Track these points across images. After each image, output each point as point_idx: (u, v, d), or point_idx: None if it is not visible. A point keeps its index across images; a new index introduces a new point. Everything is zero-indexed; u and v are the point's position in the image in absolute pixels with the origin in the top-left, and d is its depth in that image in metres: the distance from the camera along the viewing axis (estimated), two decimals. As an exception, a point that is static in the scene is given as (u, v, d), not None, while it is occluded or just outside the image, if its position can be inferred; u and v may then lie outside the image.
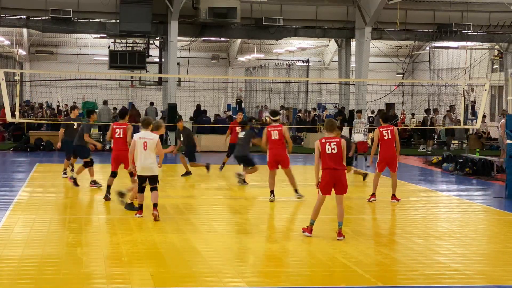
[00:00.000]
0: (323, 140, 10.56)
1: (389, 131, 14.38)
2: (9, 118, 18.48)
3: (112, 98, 31.91)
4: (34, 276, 8.28)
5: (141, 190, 12.10)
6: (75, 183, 15.97)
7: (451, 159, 22.21)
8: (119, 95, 33.61)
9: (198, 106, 32.08)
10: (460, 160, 21.33)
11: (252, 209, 14.06)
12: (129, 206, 12.80)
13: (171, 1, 28.62)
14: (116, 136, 14.16)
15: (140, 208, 12.16)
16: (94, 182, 16.14)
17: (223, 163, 20.19)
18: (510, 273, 9.00)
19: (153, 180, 12.03)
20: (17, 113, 18.80)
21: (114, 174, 14.20)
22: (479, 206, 14.93)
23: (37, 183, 17.09)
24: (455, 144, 31.23)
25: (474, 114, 33.06)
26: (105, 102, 31.94)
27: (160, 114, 33.27)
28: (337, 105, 36.13)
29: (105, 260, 9.08)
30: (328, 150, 10.46)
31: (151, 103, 33.22)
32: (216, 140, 25.75)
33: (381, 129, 14.42)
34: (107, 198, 14.00)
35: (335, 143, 10.49)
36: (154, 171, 12.00)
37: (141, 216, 12.02)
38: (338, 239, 10.50)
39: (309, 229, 10.71)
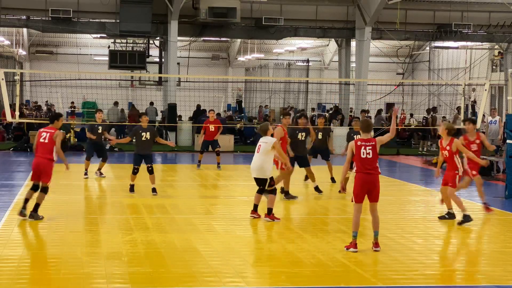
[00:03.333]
0: (359, 143, 10.09)
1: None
2: (9, 118, 18.49)
3: (112, 98, 31.94)
4: (34, 276, 8.28)
5: (259, 191, 12.27)
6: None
7: (451, 159, 22.16)
8: (119, 95, 33.61)
9: (198, 106, 32.10)
10: (460, 160, 21.31)
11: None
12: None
13: (171, 1, 28.62)
14: (41, 140, 12.11)
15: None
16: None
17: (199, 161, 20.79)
18: (510, 273, 9.01)
19: (261, 182, 12.12)
20: (17, 113, 18.81)
21: (35, 187, 12.14)
22: (479, 206, 14.92)
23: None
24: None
25: (474, 114, 33.06)
26: (116, 103, 32.11)
27: (160, 114, 33.30)
28: (336, 104, 36.12)
29: (105, 260, 9.08)
30: (363, 155, 10.01)
31: (151, 103, 33.25)
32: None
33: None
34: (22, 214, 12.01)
35: (370, 147, 10.02)
36: (263, 174, 12.02)
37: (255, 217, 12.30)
38: (374, 250, 9.95)
39: (353, 244, 9.95)
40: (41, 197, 11.89)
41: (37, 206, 11.83)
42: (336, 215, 13.13)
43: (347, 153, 10.25)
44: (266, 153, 11.93)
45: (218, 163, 20.57)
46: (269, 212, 12.13)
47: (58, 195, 15.06)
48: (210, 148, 20.60)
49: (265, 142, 11.95)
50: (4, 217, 12.07)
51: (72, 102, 38.81)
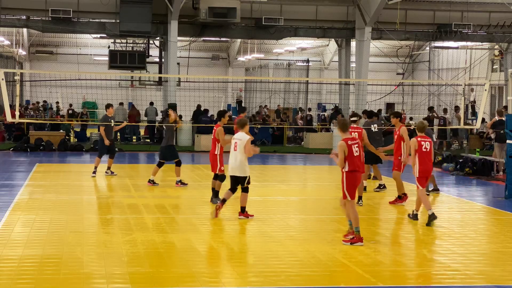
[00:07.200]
0: (349, 142, 10.29)
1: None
2: (9, 118, 18.48)
3: (112, 98, 31.86)
4: (34, 276, 8.28)
5: (232, 189, 12.24)
6: (183, 183, 16.61)
7: (451, 159, 22.21)
8: (119, 95, 33.60)
9: (198, 106, 32.11)
10: (460, 160, 21.32)
11: (252, 209, 14.04)
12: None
13: (171, 1, 28.62)
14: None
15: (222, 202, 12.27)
16: (180, 182, 16.57)
17: None
18: (510, 273, 9.00)
19: (241, 181, 12.07)
20: (17, 113, 18.79)
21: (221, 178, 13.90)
22: (479, 206, 14.93)
23: (37, 183, 17.09)
24: (455, 144, 31.22)
25: (474, 114, 33.09)
26: (121, 104, 32.26)
27: (160, 114, 33.30)
28: (336, 104, 36.14)
29: (105, 260, 9.08)
30: (357, 152, 10.27)
31: (151, 103, 33.25)
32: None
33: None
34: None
35: (357, 144, 10.33)
36: (243, 172, 11.98)
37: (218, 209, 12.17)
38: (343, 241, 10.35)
39: (358, 239, 10.23)
40: (217, 184, 13.71)
41: (216, 192, 13.70)
42: (336, 215, 13.12)
43: (339, 153, 10.35)
44: (242, 151, 11.89)
45: None
46: (243, 210, 12.22)
47: (58, 195, 15.07)
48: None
49: (240, 139, 11.92)
50: (4, 217, 12.07)
51: (57, 102, 38.76)
